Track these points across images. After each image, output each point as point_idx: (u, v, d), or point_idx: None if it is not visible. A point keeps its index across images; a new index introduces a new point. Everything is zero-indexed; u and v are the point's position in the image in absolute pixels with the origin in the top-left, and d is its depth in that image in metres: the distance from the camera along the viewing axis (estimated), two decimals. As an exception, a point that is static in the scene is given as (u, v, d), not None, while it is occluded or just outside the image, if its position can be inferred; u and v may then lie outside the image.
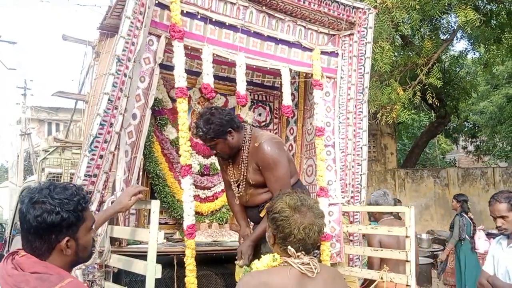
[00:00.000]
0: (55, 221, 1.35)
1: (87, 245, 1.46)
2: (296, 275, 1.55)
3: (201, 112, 2.88)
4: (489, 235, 6.47)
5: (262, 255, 2.73)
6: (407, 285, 3.11)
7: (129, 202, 2.38)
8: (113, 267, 2.78)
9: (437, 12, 7.42)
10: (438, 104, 9.80)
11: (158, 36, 3.08)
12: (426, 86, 7.89)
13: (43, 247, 1.37)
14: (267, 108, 4.63)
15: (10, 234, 5.73)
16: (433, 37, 8.88)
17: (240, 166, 2.89)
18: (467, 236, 6.10)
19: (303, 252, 1.57)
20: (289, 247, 1.56)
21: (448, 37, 10.04)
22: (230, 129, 2.78)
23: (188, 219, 2.87)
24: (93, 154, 2.73)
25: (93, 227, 1.53)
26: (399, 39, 9.66)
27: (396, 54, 8.68)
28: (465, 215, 6.14)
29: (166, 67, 3.42)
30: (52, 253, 1.38)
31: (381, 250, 3.43)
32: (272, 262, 1.61)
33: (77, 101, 4.45)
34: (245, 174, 2.88)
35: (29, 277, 1.29)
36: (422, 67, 7.84)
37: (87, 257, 1.50)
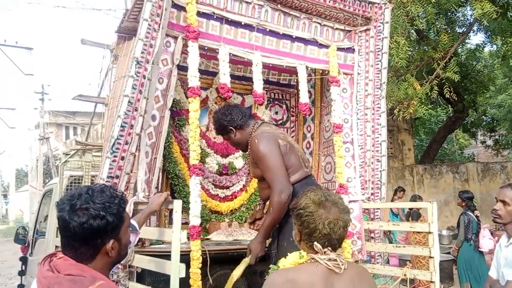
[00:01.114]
0: (101, 225, 1.34)
1: (127, 243, 1.48)
2: (323, 271, 1.53)
3: None
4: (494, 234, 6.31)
5: (270, 252, 2.75)
6: (431, 281, 3.09)
7: (161, 198, 2.61)
8: (137, 267, 2.81)
9: (453, 5, 7.34)
10: (456, 98, 9.63)
11: (175, 38, 3.11)
12: (443, 81, 7.79)
13: (88, 252, 1.36)
14: (284, 106, 4.62)
15: (33, 237, 5.81)
16: (449, 31, 8.78)
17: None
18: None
19: (329, 248, 1.56)
20: (315, 243, 1.55)
21: (465, 30, 9.90)
22: (230, 128, 2.98)
23: (193, 220, 2.86)
24: (115, 156, 2.76)
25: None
26: (415, 33, 9.55)
27: (411, 48, 8.60)
28: (470, 213, 5.97)
29: (184, 68, 3.44)
30: (97, 257, 1.38)
31: (404, 246, 3.40)
32: (298, 259, 1.60)
33: (96, 104, 4.51)
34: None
35: (62, 279, 1.30)
36: (438, 61, 7.75)
37: (125, 254, 1.52)
